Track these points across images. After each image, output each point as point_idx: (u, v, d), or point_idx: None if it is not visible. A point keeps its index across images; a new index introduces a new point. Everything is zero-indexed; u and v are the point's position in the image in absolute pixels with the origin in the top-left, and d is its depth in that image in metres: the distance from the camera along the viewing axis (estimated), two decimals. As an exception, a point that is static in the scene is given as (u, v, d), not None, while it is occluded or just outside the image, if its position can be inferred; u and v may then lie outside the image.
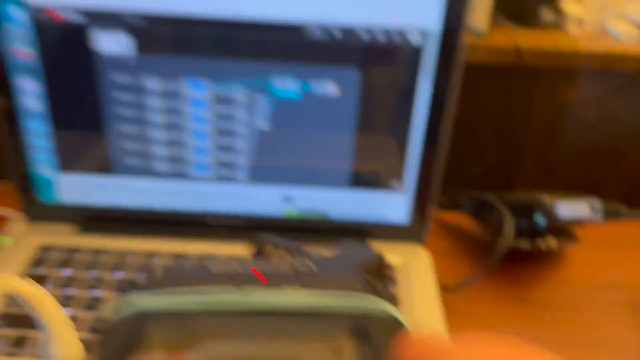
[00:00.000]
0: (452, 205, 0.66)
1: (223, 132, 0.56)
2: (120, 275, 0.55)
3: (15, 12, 0.51)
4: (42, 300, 0.14)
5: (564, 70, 1.16)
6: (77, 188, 0.59)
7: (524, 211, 0.58)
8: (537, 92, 1.18)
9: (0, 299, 0.13)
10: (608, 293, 0.59)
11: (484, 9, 1.11)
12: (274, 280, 0.16)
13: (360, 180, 0.58)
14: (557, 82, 1.19)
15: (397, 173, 0.57)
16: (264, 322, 0.14)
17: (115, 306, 0.15)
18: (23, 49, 0.52)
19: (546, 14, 1.18)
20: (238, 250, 0.59)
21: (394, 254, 0.59)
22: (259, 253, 0.21)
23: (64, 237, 0.59)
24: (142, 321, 0.14)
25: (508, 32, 1.14)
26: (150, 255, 0.57)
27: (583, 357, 0.52)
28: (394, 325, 0.15)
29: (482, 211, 0.64)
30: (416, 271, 0.57)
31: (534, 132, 1.21)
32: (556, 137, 1.22)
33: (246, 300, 0.15)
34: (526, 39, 1.11)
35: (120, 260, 0.56)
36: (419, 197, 0.59)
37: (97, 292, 0.52)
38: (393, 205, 0.59)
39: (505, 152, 1.14)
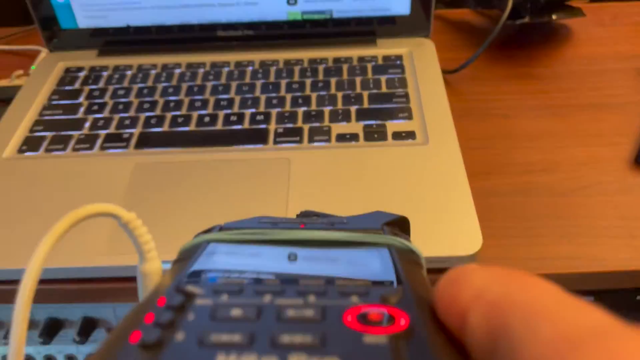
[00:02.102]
0: (457, 2, 0.66)
1: None
2: (142, 85, 0.58)
3: None
4: (134, 222, 0.17)
5: None
6: (91, 11, 0.61)
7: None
8: None
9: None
10: (613, 63, 0.60)
11: None
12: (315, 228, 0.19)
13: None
14: None
15: (395, -40, 0.57)
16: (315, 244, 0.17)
17: (186, 242, 0.18)
18: None
19: None
20: (249, 58, 0.61)
21: (400, 47, 0.61)
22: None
23: (86, 59, 0.62)
24: (208, 245, 0.17)
25: None
26: (167, 66, 0.61)
27: (587, 116, 0.54)
28: (420, 261, 0.18)
29: (486, 1, 0.64)
30: (421, 59, 0.59)
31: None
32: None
33: (298, 233, 0.17)
34: None
35: (139, 73, 0.60)
36: (420, -15, 0.59)
37: (124, 100, 0.56)
38: (395, -4, 0.60)
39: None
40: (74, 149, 0.51)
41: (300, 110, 0.54)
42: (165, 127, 0.53)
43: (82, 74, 0.60)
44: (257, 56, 0.61)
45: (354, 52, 0.61)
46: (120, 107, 0.56)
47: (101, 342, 0.13)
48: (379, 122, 0.52)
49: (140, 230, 0.17)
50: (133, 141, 0.51)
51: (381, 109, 0.53)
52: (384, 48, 0.61)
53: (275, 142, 0.50)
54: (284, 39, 0.63)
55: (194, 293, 0.13)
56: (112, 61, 0.62)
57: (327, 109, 0.54)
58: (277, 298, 0.13)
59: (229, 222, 0.19)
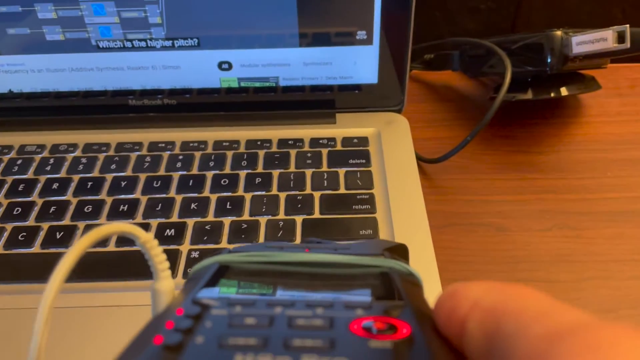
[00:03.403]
0: (439, 63, 0.53)
1: (123, -20, 0.42)
2: (18, 176, 0.43)
3: None
4: (151, 243, 0.17)
5: None
6: (-43, 74, 0.46)
7: (528, 53, 0.45)
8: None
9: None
10: (636, 148, 0.47)
11: None
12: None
13: (317, 34, 0.44)
14: None
15: (362, 21, 0.44)
16: (319, 269, 0.18)
17: (197, 264, 0.18)
18: None
19: None
20: (168, 136, 0.47)
21: (365, 124, 0.47)
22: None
23: (-48, 136, 0.47)
24: (219, 267, 0.18)
25: None
26: (57, 147, 0.46)
27: (604, 240, 0.40)
28: (419, 283, 0.18)
29: (474, 64, 0.51)
30: (391, 142, 0.46)
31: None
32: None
33: (303, 256, 0.18)
34: None
35: (19, 157, 0.45)
36: (392, 51, 0.45)
37: (-12, 198, 0.42)
38: (360, 62, 0.46)
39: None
40: None
41: (228, 220, 0.39)
42: (36, 247, 0.38)
43: (-58, 158, 0.45)
44: (179, 134, 0.47)
45: (306, 132, 0.47)
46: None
47: (124, 345, 0.13)
48: (332, 239, 0.38)
49: (157, 250, 0.17)
50: (-15, 270, 0.36)
51: (337, 222, 0.39)
52: (345, 126, 0.47)
53: (187, 273, 0.36)
54: (215, 110, 0.48)
55: (209, 305, 0.14)
56: (-14, 139, 0.47)
57: (263, 219, 0.39)
58: (287, 309, 0.14)
59: (237, 247, 0.20)
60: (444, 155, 0.44)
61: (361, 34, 0.45)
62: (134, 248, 0.37)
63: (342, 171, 0.43)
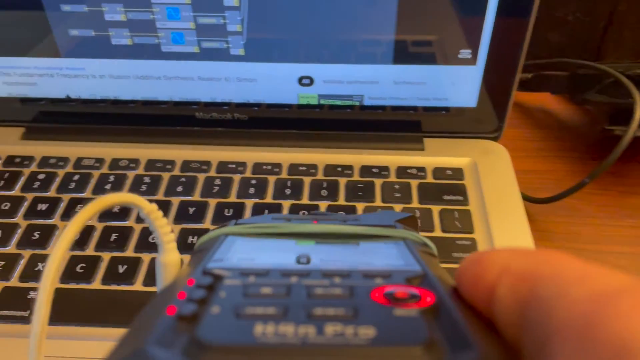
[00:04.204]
0: (537, 84, 0.47)
1: (202, -19, 0.37)
2: (76, 194, 0.39)
3: None
4: (155, 213, 0.16)
5: None
6: (15, 75, 0.42)
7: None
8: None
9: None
10: None
11: None
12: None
13: (415, 50, 0.39)
14: None
15: (468, 38, 0.38)
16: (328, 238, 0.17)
17: (203, 236, 0.18)
18: None
19: None
20: (238, 156, 0.42)
21: (458, 153, 0.42)
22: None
23: (3, 144, 0.43)
24: (226, 238, 0.17)
25: None
26: (118, 163, 0.41)
27: None
28: (434, 253, 0.17)
29: (580, 88, 0.45)
30: (490, 175, 0.40)
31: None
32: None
33: (312, 227, 0.17)
34: None
35: (76, 171, 0.41)
36: (498, 72, 0.40)
37: (43, 221, 0.37)
38: (459, 84, 0.41)
39: (593, 11, 0.91)
40: (-54, 316, 0.32)
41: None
42: (96, 282, 0.34)
43: (-7, 168, 0.41)
44: (250, 154, 0.42)
45: (391, 158, 0.42)
46: (36, 235, 0.36)
47: (137, 315, 0.12)
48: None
49: (161, 222, 0.16)
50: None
51: (435, 271, 0.34)
52: (434, 153, 0.42)
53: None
54: (289, 127, 0.44)
55: (221, 275, 0.13)
56: (40, 148, 0.43)
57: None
58: (303, 279, 0.13)
59: (243, 219, 0.19)
60: (553, 196, 0.39)
61: (465, 53, 0.39)
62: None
63: (435, 208, 0.38)
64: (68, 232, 0.14)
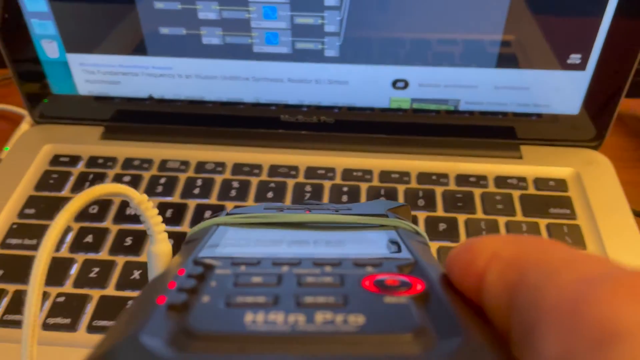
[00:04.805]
0: (637, 89, 0.45)
1: (302, -21, 0.36)
2: (164, 198, 0.38)
3: None
4: (145, 204, 0.16)
5: None
6: (98, 73, 0.41)
7: None
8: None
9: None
10: None
11: None
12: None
13: (521, 54, 0.37)
14: None
15: (580, 43, 0.36)
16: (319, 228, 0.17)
17: (195, 226, 0.18)
18: None
19: None
20: (327, 161, 0.41)
21: (558, 163, 0.40)
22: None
23: (84, 142, 0.42)
24: (217, 228, 0.17)
25: None
26: (203, 166, 0.40)
27: None
28: (426, 241, 0.17)
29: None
30: (595, 188, 0.38)
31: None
32: None
33: (304, 216, 0.17)
34: None
35: (161, 173, 0.39)
36: (607, 79, 0.38)
37: (133, 226, 0.36)
38: (563, 90, 0.39)
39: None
40: (45, 326, 0.31)
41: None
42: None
43: (76, 168, 0.40)
44: (338, 159, 0.41)
45: (488, 167, 0.40)
46: (128, 241, 0.35)
47: (127, 306, 0.13)
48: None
49: (152, 212, 0.16)
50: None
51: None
52: (533, 162, 0.40)
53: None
54: (378, 132, 0.42)
55: (212, 264, 0.13)
56: (122, 149, 0.42)
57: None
58: (294, 268, 0.13)
59: (234, 209, 0.19)
60: (668, 211, 0.36)
61: (574, 58, 0.37)
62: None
63: (542, 222, 0.36)
64: (56, 224, 0.14)
